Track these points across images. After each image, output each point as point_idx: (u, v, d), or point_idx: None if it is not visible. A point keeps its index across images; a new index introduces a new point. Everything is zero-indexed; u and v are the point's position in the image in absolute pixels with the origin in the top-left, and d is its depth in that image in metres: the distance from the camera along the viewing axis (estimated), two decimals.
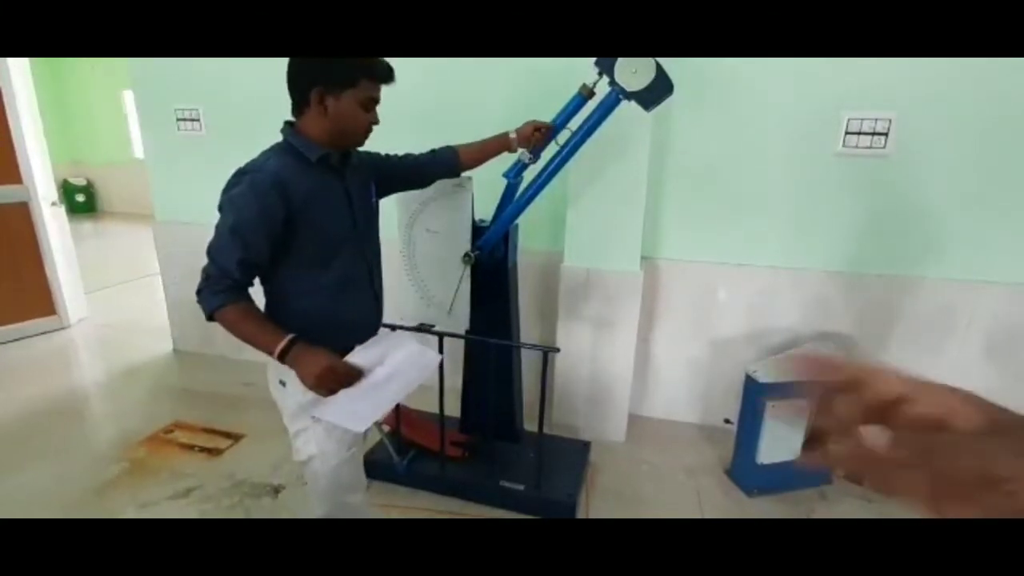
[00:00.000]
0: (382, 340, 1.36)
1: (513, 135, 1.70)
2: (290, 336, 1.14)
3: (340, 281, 1.27)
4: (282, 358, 1.14)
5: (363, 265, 1.34)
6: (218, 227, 1.15)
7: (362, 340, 1.33)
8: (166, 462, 2.29)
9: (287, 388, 1.26)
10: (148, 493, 2.10)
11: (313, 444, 1.28)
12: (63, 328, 3.65)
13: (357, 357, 1.24)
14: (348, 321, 1.32)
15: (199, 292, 1.17)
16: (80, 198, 8.44)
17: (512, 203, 1.93)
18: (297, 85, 1.19)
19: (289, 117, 1.26)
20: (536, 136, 1.72)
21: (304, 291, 1.25)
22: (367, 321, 1.39)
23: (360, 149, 1.39)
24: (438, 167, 1.64)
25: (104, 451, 2.37)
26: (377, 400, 1.20)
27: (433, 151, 1.63)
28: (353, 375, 1.19)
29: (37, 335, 3.53)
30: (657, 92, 1.64)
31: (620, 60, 1.62)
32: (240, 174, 1.17)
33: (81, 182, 8.47)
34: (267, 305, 1.28)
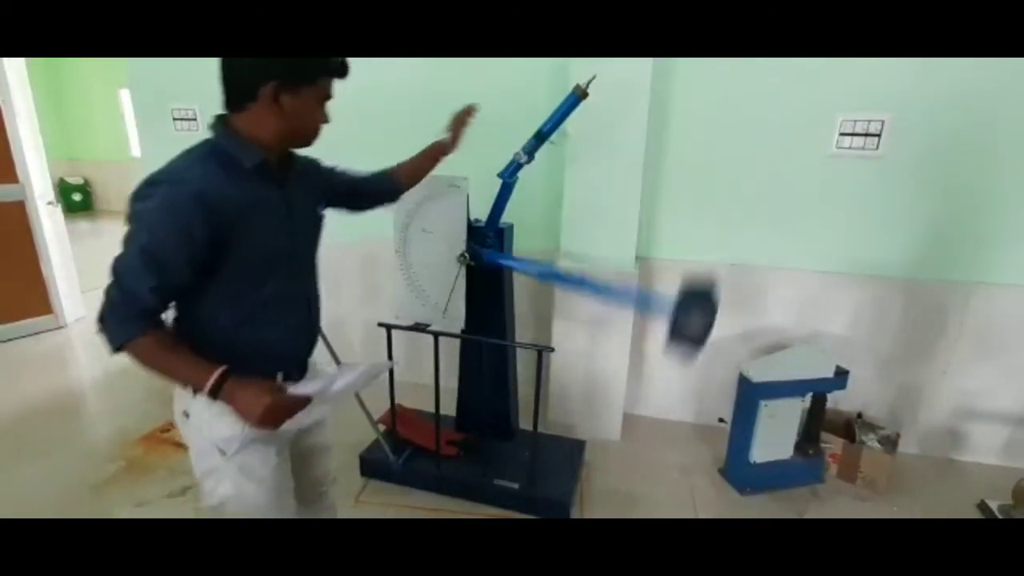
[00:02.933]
0: (334, 373, 1.18)
1: (446, 135, 1.65)
2: (221, 369, 0.99)
3: (271, 303, 1.11)
4: (214, 394, 0.99)
5: (298, 286, 1.19)
6: (126, 244, 0.96)
7: (289, 369, 1.18)
8: (163, 460, 2.30)
9: (191, 420, 1.10)
10: (144, 491, 2.11)
11: (228, 484, 1.11)
12: (60, 327, 3.65)
13: (303, 388, 1.09)
14: (276, 348, 1.15)
15: (101, 320, 0.97)
16: (76, 197, 8.42)
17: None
18: (241, 77, 1.02)
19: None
20: (465, 119, 1.69)
21: (228, 313, 1.07)
22: (297, 348, 1.22)
23: (303, 155, 1.24)
24: (375, 190, 1.51)
25: (101, 449, 2.38)
26: (319, 410, 1.10)
27: (370, 174, 1.51)
28: (300, 404, 1.06)
29: (33, 334, 3.53)
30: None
31: None
32: (152, 184, 0.96)
33: (78, 180, 8.45)
34: (176, 322, 1.09)
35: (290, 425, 1.07)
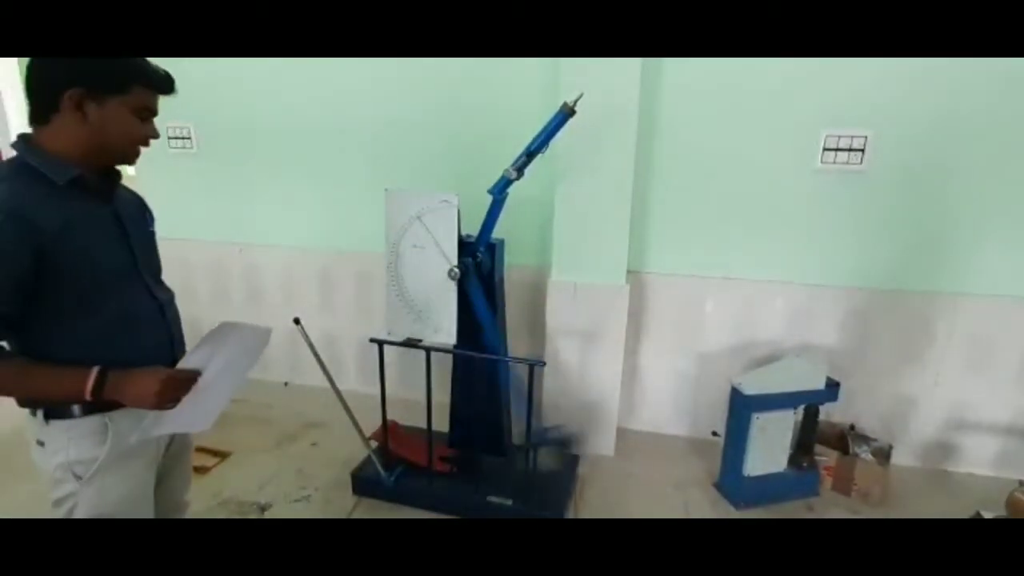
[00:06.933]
0: (207, 338, 1.17)
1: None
2: (97, 368, 0.96)
3: (121, 322, 1.05)
4: (97, 394, 0.96)
5: (150, 300, 1.12)
6: None
7: None
8: None
9: (46, 448, 1.06)
10: None
11: (83, 509, 1.06)
12: None
13: (187, 361, 1.11)
14: (138, 366, 1.03)
15: None
16: None
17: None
18: (45, 85, 0.96)
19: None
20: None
21: (74, 340, 1.00)
22: (160, 361, 1.11)
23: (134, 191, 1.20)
24: None
25: None
26: (217, 394, 1.06)
27: None
28: (191, 377, 1.05)
29: None
30: None
31: None
32: None
33: None
34: None
35: (169, 428, 1.05)
